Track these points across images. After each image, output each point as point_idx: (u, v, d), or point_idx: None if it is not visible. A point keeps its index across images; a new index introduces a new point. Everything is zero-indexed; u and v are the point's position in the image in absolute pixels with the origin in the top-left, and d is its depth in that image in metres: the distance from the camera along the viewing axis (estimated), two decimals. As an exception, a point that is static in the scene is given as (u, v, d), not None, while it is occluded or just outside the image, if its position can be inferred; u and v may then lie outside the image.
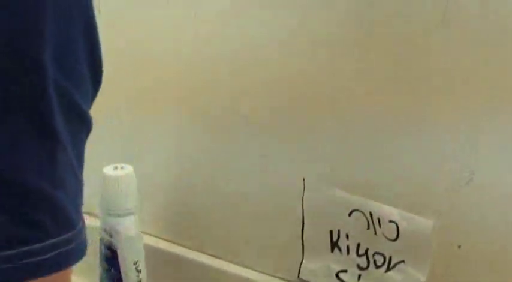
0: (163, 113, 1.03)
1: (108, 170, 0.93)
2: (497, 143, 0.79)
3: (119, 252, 0.94)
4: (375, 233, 0.88)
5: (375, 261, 0.90)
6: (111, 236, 0.94)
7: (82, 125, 0.57)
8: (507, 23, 0.75)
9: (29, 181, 0.53)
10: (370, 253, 0.89)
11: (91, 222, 0.85)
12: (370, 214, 0.88)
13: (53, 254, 0.54)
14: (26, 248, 0.53)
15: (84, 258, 0.57)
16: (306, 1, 0.87)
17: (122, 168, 0.94)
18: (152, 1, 1.00)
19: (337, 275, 0.92)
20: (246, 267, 1.01)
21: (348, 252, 0.91)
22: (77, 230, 0.56)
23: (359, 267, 0.91)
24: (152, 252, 1.03)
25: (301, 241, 0.94)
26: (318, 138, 0.90)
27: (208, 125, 1.00)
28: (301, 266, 0.95)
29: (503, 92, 0.77)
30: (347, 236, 0.91)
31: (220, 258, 1.03)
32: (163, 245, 1.07)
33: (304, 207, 0.93)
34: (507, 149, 0.79)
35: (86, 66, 0.56)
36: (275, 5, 0.90)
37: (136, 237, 0.95)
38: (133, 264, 0.95)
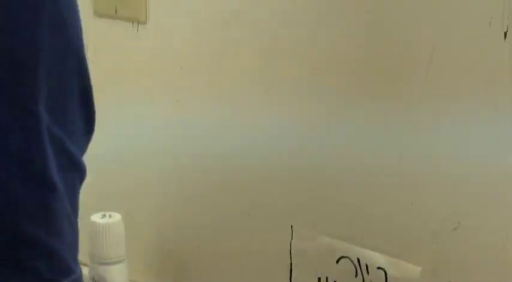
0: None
1: (96, 218, 0.93)
2: (483, 191, 0.80)
3: (107, 300, 0.94)
4: (363, 280, 0.88)
5: (363, 308, 0.90)
6: (99, 284, 0.94)
7: (76, 172, 0.57)
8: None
9: (23, 229, 0.53)
10: (358, 300, 0.90)
11: (79, 270, 0.84)
12: (358, 261, 0.88)
13: None
14: None
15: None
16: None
17: (109, 216, 0.94)
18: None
19: (325, 323, 0.92)
20: (234, 315, 1.01)
21: (336, 300, 0.91)
22: (77, 275, 0.57)
23: (348, 315, 0.91)
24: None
25: (289, 288, 0.94)
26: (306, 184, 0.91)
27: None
28: (290, 313, 0.95)
29: (485, 143, 0.79)
30: (335, 283, 0.91)
31: (208, 305, 1.03)
32: (151, 293, 1.07)
33: (292, 255, 0.93)
34: (492, 196, 0.79)
35: (79, 115, 0.57)
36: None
37: (125, 285, 0.94)
38: (122, 312, 0.94)
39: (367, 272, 0.88)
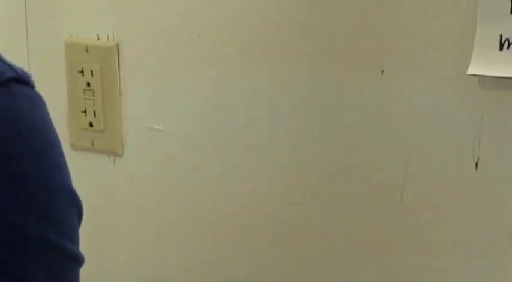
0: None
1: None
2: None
3: None
4: None
5: None
6: None
7: (77, 264, 0.62)
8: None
9: None
10: None
11: None
12: None
13: None
14: None
15: None
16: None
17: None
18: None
19: None
20: None
21: None
22: None
23: None
24: None
25: None
26: None
27: None
28: None
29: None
30: None
31: None
32: None
33: None
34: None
35: (75, 217, 0.63)
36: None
37: None
38: None
39: None
